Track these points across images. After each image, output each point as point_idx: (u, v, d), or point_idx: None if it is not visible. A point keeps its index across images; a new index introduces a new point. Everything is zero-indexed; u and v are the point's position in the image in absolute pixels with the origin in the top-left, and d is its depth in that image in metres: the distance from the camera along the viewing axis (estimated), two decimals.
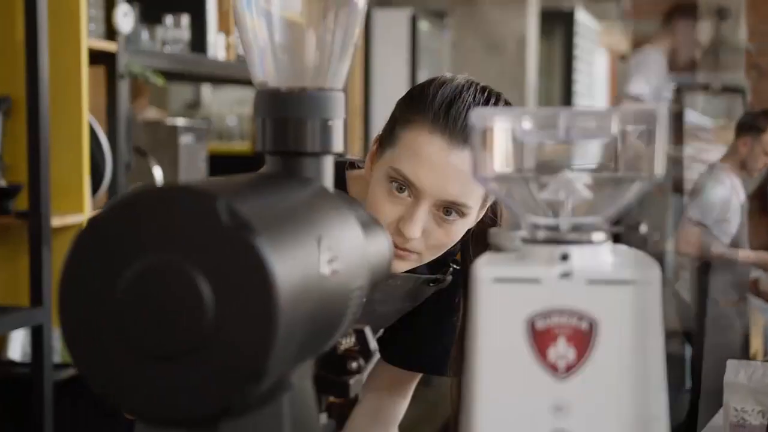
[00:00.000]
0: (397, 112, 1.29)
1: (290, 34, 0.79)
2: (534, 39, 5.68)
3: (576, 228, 0.70)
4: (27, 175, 2.34)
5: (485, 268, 0.68)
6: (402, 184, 1.24)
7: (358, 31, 0.81)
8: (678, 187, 4.68)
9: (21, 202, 2.37)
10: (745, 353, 3.87)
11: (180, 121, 3.17)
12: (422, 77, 6.60)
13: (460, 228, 1.27)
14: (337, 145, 0.79)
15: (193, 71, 3.16)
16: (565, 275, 0.67)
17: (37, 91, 2.31)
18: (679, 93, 4.42)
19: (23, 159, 2.35)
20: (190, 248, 0.60)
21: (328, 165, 0.79)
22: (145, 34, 2.90)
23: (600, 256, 0.69)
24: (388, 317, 1.43)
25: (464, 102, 1.25)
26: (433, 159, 1.22)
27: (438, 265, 1.40)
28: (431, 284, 1.40)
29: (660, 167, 0.67)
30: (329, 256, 0.68)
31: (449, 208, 1.24)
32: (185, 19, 3.02)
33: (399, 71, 4.99)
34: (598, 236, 0.69)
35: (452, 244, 1.29)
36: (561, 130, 0.68)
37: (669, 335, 3.80)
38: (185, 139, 3.02)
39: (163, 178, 2.93)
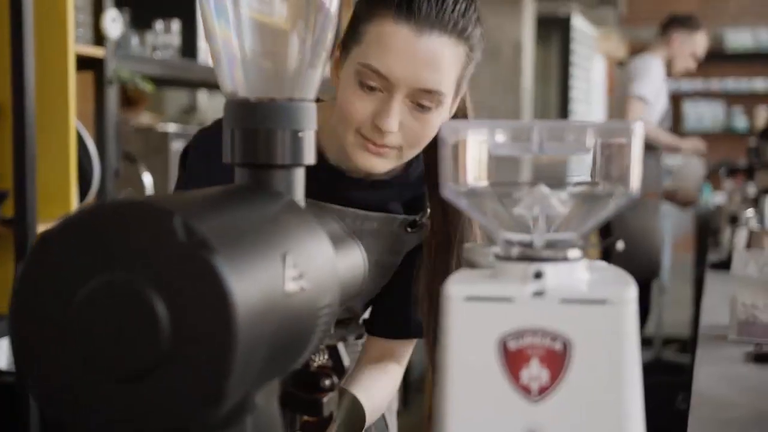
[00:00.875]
0: (358, 10, 1.27)
1: (260, 42, 0.77)
2: (530, 45, 5.66)
3: (551, 244, 0.68)
4: (13, 182, 2.31)
5: (456, 286, 0.66)
6: (372, 79, 1.21)
7: (330, 37, 0.79)
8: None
9: (7, 209, 2.34)
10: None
11: (172, 127, 3.15)
12: None
13: (436, 119, 1.24)
14: (309, 156, 0.77)
15: (183, 77, 3.14)
16: (538, 294, 0.65)
17: (24, 96, 2.28)
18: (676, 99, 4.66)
19: (9, 165, 2.32)
20: (146, 266, 0.57)
21: (299, 177, 0.77)
22: (135, 40, 2.87)
23: (575, 273, 0.67)
24: (371, 289, 1.42)
25: None
26: (401, 47, 1.20)
27: (414, 210, 1.39)
28: (409, 229, 1.38)
29: (636, 183, 0.65)
30: (295, 273, 0.66)
31: (423, 102, 1.22)
32: (176, 25, 3.00)
33: None
34: (574, 253, 0.67)
35: (430, 137, 1.26)
36: (535, 144, 0.66)
37: None
38: (177, 145, 3.00)
39: (153, 185, 2.91)
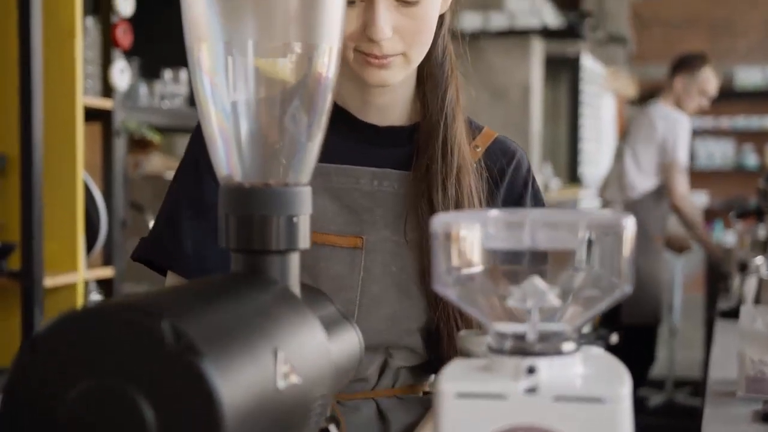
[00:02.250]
0: None
1: (256, 127, 0.77)
2: (538, 87, 5.67)
3: (544, 337, 0.67)
4: (20, 234, 2.32)
5: (449, 383, 0.65)
6: None
7: (324, 122, 0.79)
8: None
9: (13, 262, 2.35)
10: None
11: None
12: None
13: (429, 9, 1.16)
14: (304, 241, 0.77)
15: (192, 126, 3.15)
16: (531, 391, 0.64)
17: (31, 149, 2.29)
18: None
19: (17, 218, 2.33)
20: (134, 370, 0.57)
21: (294, 263, 0.77)
22: (143, 89, 2.89)
23: (569, 368, 0.66)
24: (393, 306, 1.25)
25: None
26: None
27: None
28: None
29: (628, 280, 0.64)
30: (287, 368, 0.65)
31: None
32: (184, 74, 3.02)
33: None
34: (568, 346, 0.67)
35: (431, 32, 1.18)
36: (527, 236, 0.66)
37: None
38: None
39: None
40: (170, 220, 1.26)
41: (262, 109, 0.77)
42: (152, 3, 2.69)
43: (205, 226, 1.22)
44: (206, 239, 1.21)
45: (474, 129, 1.30)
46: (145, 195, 3.02)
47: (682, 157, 4.36)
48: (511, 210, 0.71)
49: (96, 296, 2.76)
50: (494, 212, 0.69)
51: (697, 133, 10.16)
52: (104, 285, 2.65)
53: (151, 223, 2.89)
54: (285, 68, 0.76)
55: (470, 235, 0.67)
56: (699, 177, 10.23)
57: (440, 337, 1.21)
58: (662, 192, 4.42)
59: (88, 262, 2.53)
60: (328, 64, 0.77)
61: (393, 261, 1.20)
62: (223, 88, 0.76)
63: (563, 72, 7.02)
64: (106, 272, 2.60)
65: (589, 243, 0.66)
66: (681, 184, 4.35)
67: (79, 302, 2.44)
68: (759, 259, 3.06)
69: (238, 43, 0.75)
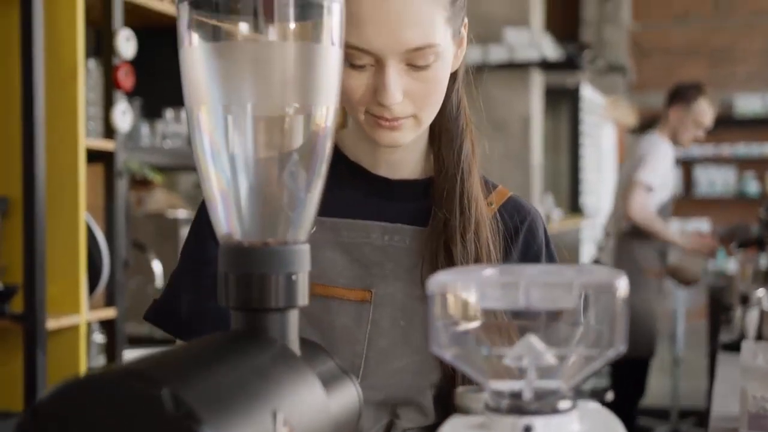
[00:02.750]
0: None
1: (255, 187, 0.78)
2: (538, 119, 5.70)
3: (540, 396, 0.68)
4: (23, 277, 2.33)
5: None
6: (358, 58, 1.11)
7: (321, 181, 0.80)
8: None
9: (16, 304, 2.36)
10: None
11: (182, 213, 3.17)
12: None
13: (440, 72, 1.14)
14: (303, 298, 0.78)
15: (193, 164, 3.17)
16: None
17: (34, 191, 2.31)
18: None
19: (19, 260, 2.35)
20: None
21: (293, 320, 0.77)
22: (145, 129, 2.91)
23: (566, 426, 0.67)
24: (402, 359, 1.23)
25: None
26: (369, 15, 1.09)
27: None
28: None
29: (621, 340, 0.65)
30: (286, 430, 0.66)
31: (417, 62, 1.11)
32: (185, 114, 3.04)
33: None
34: (564, 404, 0.67)
35: (442, 93, 1.17)
36: (522, 296, 0.67)
37: None
38: (187, 232, 3.02)
39: (163, 272, 2.92)
40: (171, 287, 1.29)
41: (260, 168, 0.78)
42: (153, 44, 2.71)
43: (205, 293, 1.22)
44: (205, 305, 1.22)
45: (489, 186, 1.30)
46: (148, 233, 3.03)
47: (645, 176, 4.28)
48: (506, 268, 0.72)
49: (99, 337, 2.77)
50: (489, 271, 0.70)
51: (698, 161, 10.20)
52: (107, 325, 2.66)
53: (154, 263, 2.90)
54: (283, 129, 0.78)
55: (466, 295, 0.68)
56: (700, 204, 10.26)
57: (449, 397, 1.19)
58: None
59: (91, 302, 2.54)
60: (325, 124, 0.78)
61: (403, 315, 1.19)
62: (222, 148, 0.77)
63: (563, 102, 7.06)
64: (109, 313, 2.61)
65: (585, 302, 0.67)
66: (637, 200, 4.26)
67: (82, 344, 2.45)
68: (760, 292, 3.06)
69: (237, 105, 0.76)
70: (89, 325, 2.58)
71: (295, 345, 0.77)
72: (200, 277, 1.24)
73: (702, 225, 10.15)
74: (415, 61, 1.12)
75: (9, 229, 2.41)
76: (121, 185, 2.62)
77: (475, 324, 0.69)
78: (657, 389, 6.55)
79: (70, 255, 2.43)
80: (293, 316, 0.77)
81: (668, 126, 4.51)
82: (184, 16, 0.76)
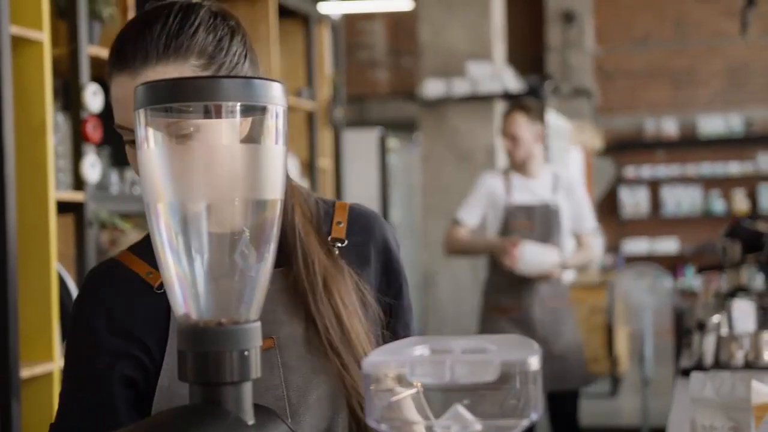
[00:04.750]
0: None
1: (209, 272, 0.86)
2: (502, 148, 5.81)
3: None
4: None
5: None
6: (127, 134, 1.17)
7: (269, 264, 0.88)
8: None
9: None
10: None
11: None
12: (393, 192, 6.77)
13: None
14: (255, 371, 0.85)
15: None
16: None
17: (6, 243, 2.37)
18: None
19: None
20: None
21: (247, 391, 0.85)
22: (114, 177, 2.98)
23: None
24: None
25: (138, 24, 1.20)
26: (123, 95, 1.17)
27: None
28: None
29: (536, 410, 0.73)
30: None
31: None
32: None
33: (370, 189, 5.10)
34: None
35: None
36: (447, 374, 0.75)
37: None
38: None
39: None
40: (63, 413, 1.27)
41: (213, 255, 0.86)
42: None
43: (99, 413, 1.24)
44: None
45: (328, 205, 1.35)
46: None
47: (459, 211, 4.15)
48: (434, 344, 0.80)
49: None
50: (418, 350, 0.78)
51: (664, 181, 10.37)
52: None
53: None
54: (234, 218, 0.86)
55: (397, 373, 0.76)
56: (668, 224, 10.42)
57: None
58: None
59: (63, 350, 2.59)
60: (273, 212, 0.87)
61: (307, 349, 1.25)
62: (178, 238, 0.85)
63: None
64: None
65: (503, 376, 0.75)
66: (448, 234, 4.14)
67: (56, 391, 2.51)
68: (716, 318, 3.13)
69: (191, 200, 0.85)
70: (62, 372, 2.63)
71: (249, 415, 0.85)
72: (93, 396, 1.25)
73: (670, 244, 10.31)
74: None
75: None
76: (91, 235, 2.69)
77: (406, 397, 0.78)
78: (627, 409, 6.64)
79: (43, 304, 2.49)
80: (247, 388, 0.85)
81: None
82: (142, 121, 0.84)
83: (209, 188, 0.85)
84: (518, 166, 4.11)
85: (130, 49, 1.18)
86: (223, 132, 0.86)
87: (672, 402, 2.64)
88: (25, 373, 2.41)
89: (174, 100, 0.84)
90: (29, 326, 2.47)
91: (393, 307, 1.35)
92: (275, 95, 0.85)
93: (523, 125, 4.04)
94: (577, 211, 4.09)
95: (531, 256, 3.92)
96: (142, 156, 0.85)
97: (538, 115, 4.10)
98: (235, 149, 0.86)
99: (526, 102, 4.21)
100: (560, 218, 4.05)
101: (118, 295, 1.26)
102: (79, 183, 2.69)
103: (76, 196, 2.67)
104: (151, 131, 0.85)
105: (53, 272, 2.50)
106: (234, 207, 0.85)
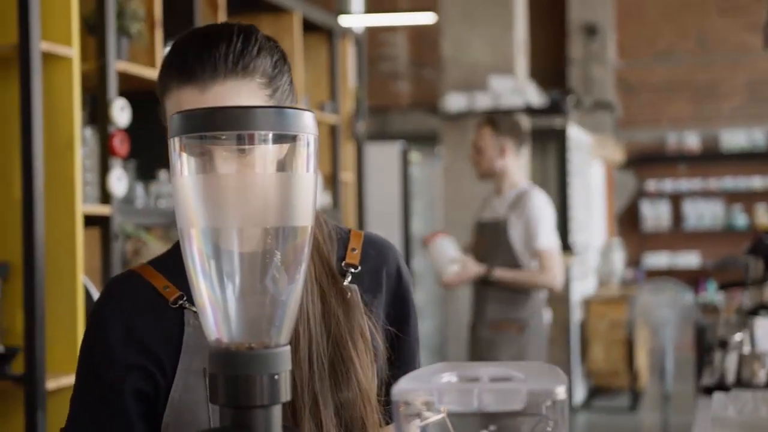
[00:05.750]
0: (158, 92, 1.26)
1: (240, 298, 0.88)
2: (525, 160, 5.81)
3: None
4: (23, 339, 2.42)
5: None
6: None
7: (299, 291, 0.89)
8: None
9: (17, 366, 2.44)
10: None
11: None
12: (415, 205, 6.80)
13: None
14: (285, 395, 0.87)
15: None
16: None
17: (33, 257, 2.41)
18: None
19: (20, 323, 2.44)
20: None
21: (277, 414, 0.87)
22: (140, 190, 3.01)
23: None
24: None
25: (197, 38, 1.22)
26: (183, 106, 1.18)
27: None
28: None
29: None
30: None
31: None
32: None
33: (391, 202, 5.12)
34: None
35: None
36: (474, 402, 0.77)
37: None
38: None
39: None
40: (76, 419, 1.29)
41: (245, 280, 0.88)
42: (148, 112, 2.82)
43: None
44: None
45: (342, 233, 1.36)
46: None
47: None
48: (461, 371, 0.81)
49: None
50: (446, 377, 0.79)
51: (686, 195, 10.33)
52: None
53: None
54: (266, 245, 0.88)
55: (425, 400, 0.78)
56: (690, 238, 10.37)
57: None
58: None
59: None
60: (304, 238, 0.89)
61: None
62: (211, 264, 0.87)
63: (550, 143, 7.17)
64: None
65: (530, 404, 0.77)
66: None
67: None
68: (738, 336, 3.12)
69: (224, 227, 0.87)
70: None
71: None
72: (104, 408, 1.26)
73: (691, 258, 10.27)
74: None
75: (10, 293, 2.50)
76: (117, 248, 2.72)
77: (434, 423, 0.79)
78: (647, 424, 6.62)
79: (69, 317, 2.52)
80: (276, 411, 0.87)
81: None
82: (176, 149, 0.86)
83: (242, 215, 0.87)
84: (483, 178, 4.15)
85: (197, 63, 1.20)
86: (256, 160, 0.88)
87: (693, 422, 2.65)
88: (51, 384, 2.44)
89: (208, 129, 0.86)
90: (56, 339, 2.50)
91: (400, 335, 1.35)
92: (307, 124, 0.87)
93: (487, 137, 4.04)
94: (527, 228, 3.98)
95: (436, 248, 3.98)
96: (176, 183, 0.87)
97: (507, 131, 4.04)
98: (268, 177, 0.88)
99: (498, 117, 4.24)
100: (508, 235, 3.98)
101: (133, 307, 1.27)
102: (105, 196, 2.72)
103: (103, 210, 2.71)
104: (185, 159, 0.87)
105: (79, 285, 2.53)
106: (266, 233, 0.87)
